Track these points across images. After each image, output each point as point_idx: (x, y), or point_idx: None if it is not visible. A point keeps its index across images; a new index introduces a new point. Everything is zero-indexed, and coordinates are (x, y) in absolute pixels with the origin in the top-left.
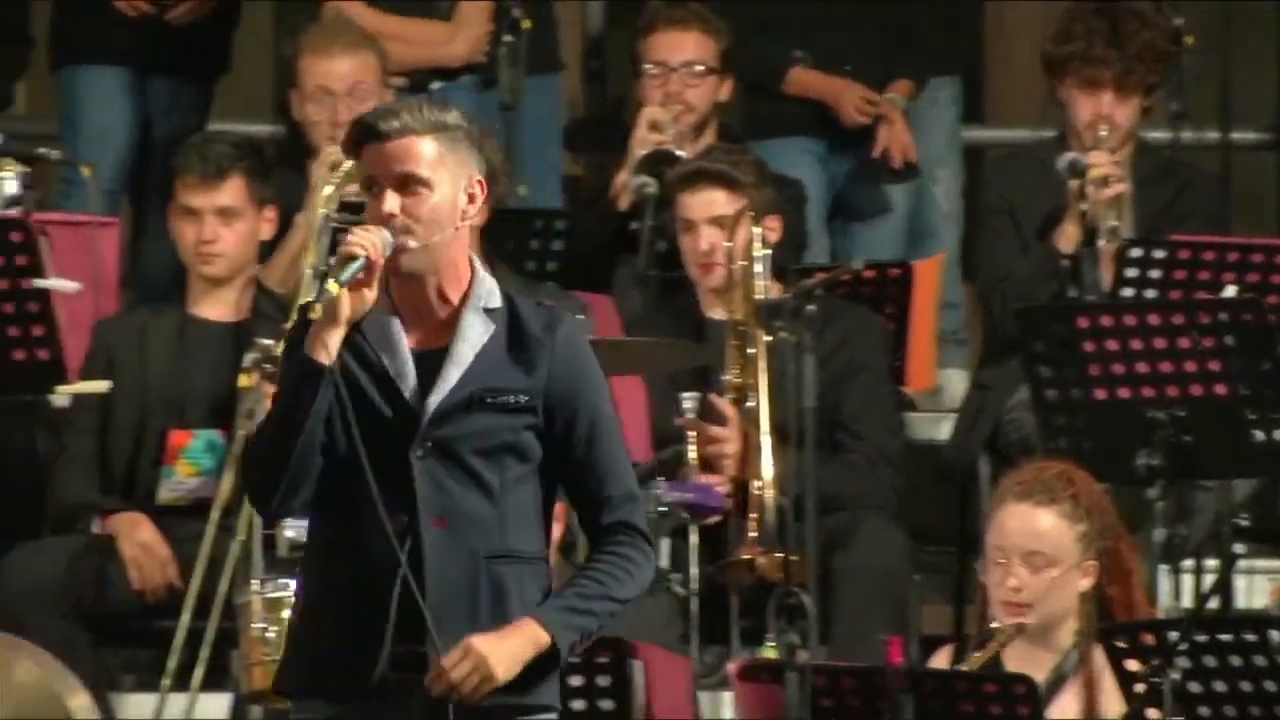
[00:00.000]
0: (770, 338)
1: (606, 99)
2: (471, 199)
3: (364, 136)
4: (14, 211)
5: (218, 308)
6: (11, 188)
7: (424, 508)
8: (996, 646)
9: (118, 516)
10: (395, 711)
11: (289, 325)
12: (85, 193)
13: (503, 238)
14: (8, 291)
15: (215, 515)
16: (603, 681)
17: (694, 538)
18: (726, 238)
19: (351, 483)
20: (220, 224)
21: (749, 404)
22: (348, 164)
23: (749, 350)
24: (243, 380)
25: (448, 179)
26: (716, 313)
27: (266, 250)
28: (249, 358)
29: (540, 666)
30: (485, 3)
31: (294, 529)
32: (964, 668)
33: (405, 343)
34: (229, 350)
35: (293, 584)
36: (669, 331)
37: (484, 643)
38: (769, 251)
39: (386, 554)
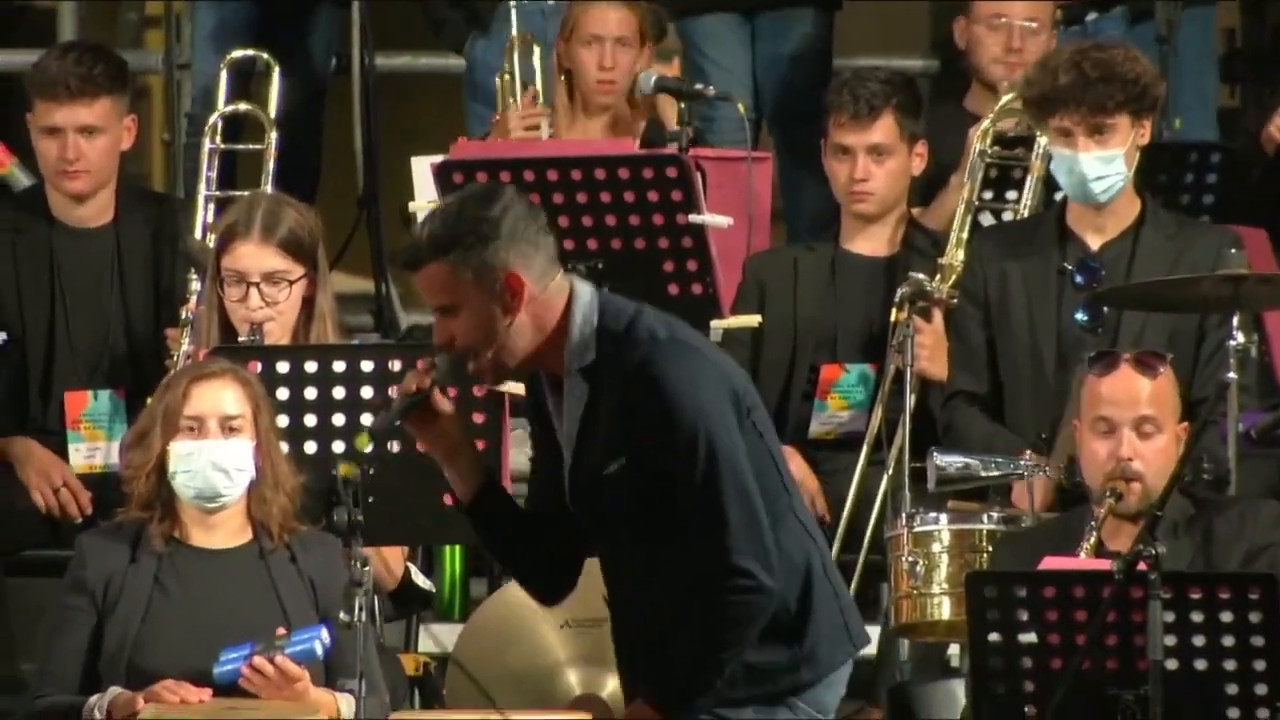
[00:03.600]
0: None
1: (1265, 29)
2: (514, 294)
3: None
4: (670, 147)
5: (870, 243)
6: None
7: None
8: None
9: None
10: None
11: None
12: (728, 128)
13: (1156, 171)
14: (663, 226)
15: (866, 449)
16: (1254, 617)
17: None
18: None
19: None
20: (872, 162)
21: None
22: (1005, 99)
23: None
24: (895, 314)
25: (473, 293)
26: None
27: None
28: (901, 292)
29: None
30: None
31: (944, 461)
32: None
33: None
34: (881, 285)
35: (943, 518)
36: None
37: None
38: None
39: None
